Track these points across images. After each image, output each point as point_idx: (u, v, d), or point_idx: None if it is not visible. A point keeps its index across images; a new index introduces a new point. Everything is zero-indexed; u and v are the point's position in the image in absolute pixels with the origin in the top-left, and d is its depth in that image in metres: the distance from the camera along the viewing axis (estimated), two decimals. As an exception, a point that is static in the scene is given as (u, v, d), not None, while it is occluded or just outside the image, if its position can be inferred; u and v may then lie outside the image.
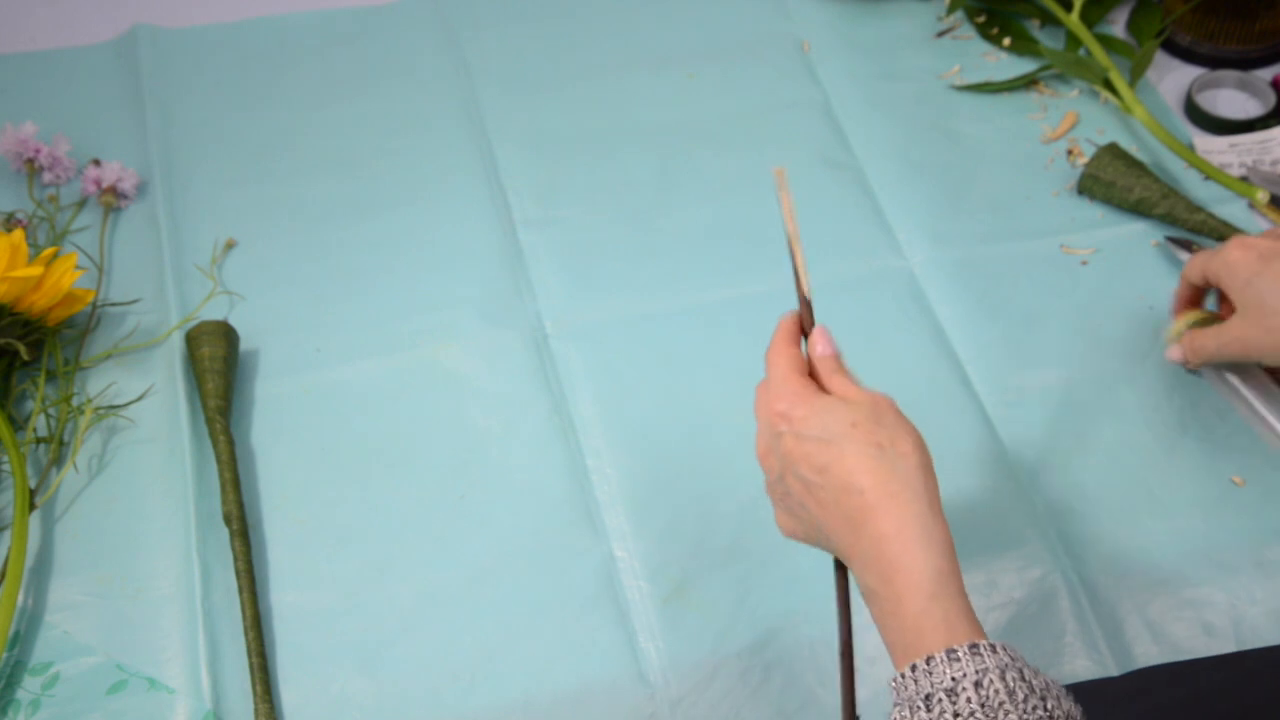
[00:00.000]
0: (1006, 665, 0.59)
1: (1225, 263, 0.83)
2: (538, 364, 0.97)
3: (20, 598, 0.83)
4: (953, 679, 0.59)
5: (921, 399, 0.89)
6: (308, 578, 0.86)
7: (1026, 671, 0.59)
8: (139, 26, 1.19)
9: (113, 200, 1.05)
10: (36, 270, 0.90)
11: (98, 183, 1.05)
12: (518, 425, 0.93)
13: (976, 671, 0.59)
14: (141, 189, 1.07)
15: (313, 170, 1.09)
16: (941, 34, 1.21)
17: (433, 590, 0.85)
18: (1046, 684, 0.60)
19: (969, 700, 0.58)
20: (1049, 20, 1.21)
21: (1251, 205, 1.06)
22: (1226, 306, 0.88)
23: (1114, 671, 0.81)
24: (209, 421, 0.91)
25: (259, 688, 0.80)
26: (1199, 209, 1.03)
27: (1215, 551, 0.86)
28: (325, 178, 1.09)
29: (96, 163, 1.06)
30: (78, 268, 0.95)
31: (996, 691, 0.58)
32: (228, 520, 0.86)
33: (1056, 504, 0.89)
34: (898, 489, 0.64)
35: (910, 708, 0.60)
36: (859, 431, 0.66)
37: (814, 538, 0.69)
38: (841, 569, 0.71)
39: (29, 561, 0.86)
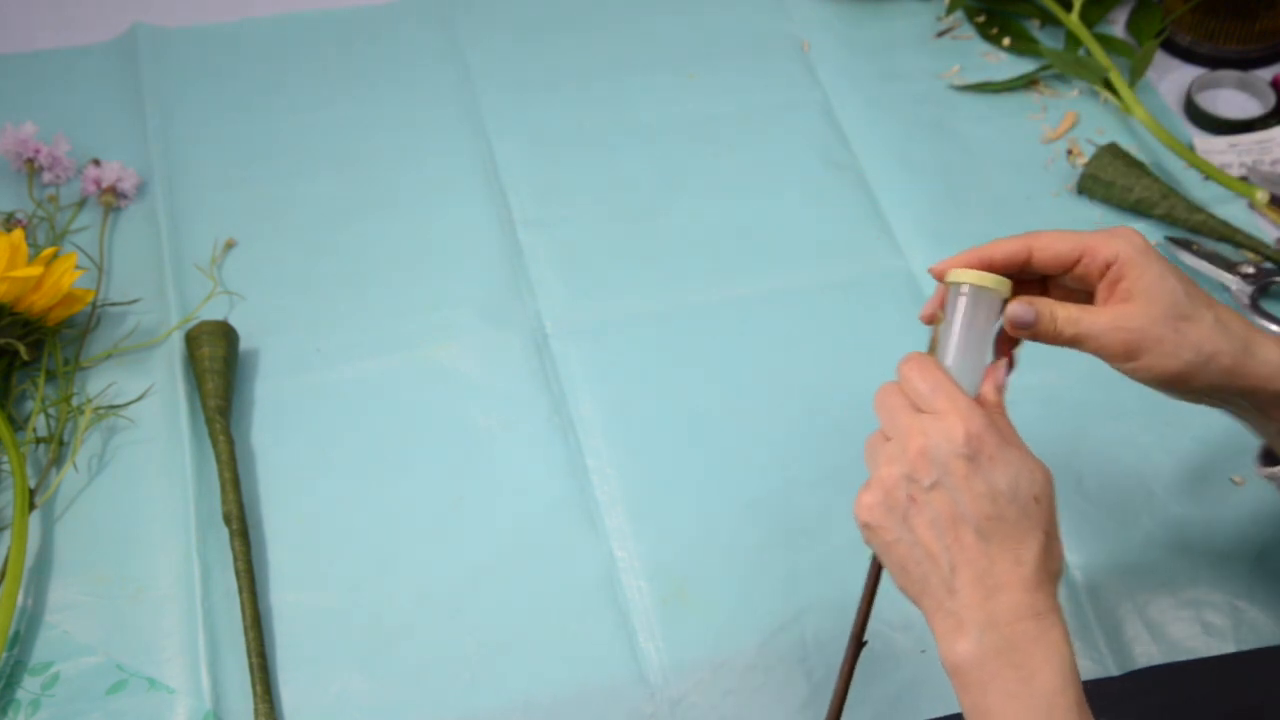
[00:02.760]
0: None
1: (1133, 244, 0.68)
2: (538, 364, 0.96)
3: (20, 598, 0.83)
4: None
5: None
6: (308, 577, 0.86)
7: None
8: (139, 26, 1.19)
9: (113, 200, 1.05)
10: (36, 270, 0.90)
11: (98, 183, 1.05)
12: (517, 425, 0.93)
13: None
14: (141, 189, 1.07)
15: (313, 170, 1.09)
16: (941, 34, 1.21)
17: (433, 590, 0.85)
18: None
19: None
20: (1049, 20, 1.21)
21: (1251, 205, 1.06)
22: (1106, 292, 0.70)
23: (1114, 671, 0.81)
24: (209, 421, 0.90)
25: (259, 688, 0.80)
26: (1199, 209, 1.03)
27: (1215, 551, 0.86)
28: (325, 178, 1.08)
29: (96, 163, 1.06)
30: (78, 268, 0.95)
31: None
32: (228, 520, 0.86)
33: (1056, 503, 0.88)
34: (1046, 578, 0.63)
35: None
36: (1041, 509, 0.62)
37: (908, 554, 0.63)
38: (877, 564, 0.68)
39: (29, 561, 0.85)
